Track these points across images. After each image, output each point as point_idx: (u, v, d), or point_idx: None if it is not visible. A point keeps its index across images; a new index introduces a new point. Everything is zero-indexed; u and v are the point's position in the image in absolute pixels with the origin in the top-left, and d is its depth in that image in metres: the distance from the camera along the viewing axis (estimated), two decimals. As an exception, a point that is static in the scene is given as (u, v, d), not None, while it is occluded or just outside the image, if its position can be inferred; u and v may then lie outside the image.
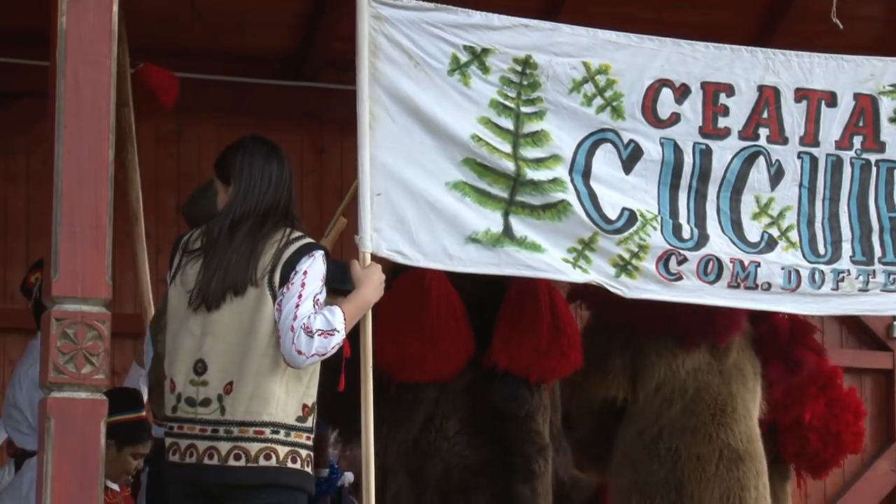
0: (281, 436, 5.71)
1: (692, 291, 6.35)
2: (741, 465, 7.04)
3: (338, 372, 5.93)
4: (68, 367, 5.50)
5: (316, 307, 5.72)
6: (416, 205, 6.08)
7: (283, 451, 5.71)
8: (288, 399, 5.72)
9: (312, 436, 5.81)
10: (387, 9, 6.07)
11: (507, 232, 6.13)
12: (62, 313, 5.51)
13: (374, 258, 6.01)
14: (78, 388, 5.51)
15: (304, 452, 5.76)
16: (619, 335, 7.11)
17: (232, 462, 5.70)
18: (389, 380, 6.25)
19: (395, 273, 6.43)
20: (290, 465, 5.72)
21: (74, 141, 5.58)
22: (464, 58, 6.15)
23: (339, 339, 5.72)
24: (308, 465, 5.79)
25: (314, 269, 5.77)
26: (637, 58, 6.35)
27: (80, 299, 5.52)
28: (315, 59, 10.34)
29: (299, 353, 5.64)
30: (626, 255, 6.24)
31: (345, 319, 5.75)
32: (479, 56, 6.17)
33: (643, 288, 6.29)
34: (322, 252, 5.82)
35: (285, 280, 5.73)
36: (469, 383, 6.52)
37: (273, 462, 5.69)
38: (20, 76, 9.68)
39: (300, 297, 5.71)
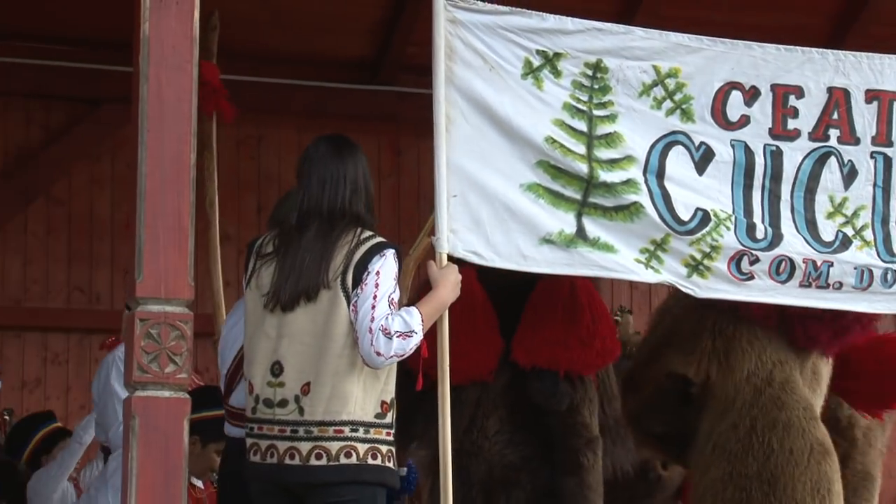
0: (360, 433, 5.67)
1: (764, 291, 6.30)
2: (828, 458, 7.00)
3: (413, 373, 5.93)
4: (152, 367, 5.50)
5: (392, 307, 5.69)
6: (491, 206, 6.05)
7: (362, 448, 5.68)
8: (366, 397, 5.70)
9: (393, 431, 5.77)
10: (462, 13, 6.04)
11: (581, 233, 6.09)
12: (146, 314, 5.52)
13: (451, 259, 5.98)
14: (161, 386, 5.51)
15: (384, 448, 5.73)
16: (713, 317, 7.05)
17: (313, 461, 5.67)
18: (433, 383, 6.26)
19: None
20: (370, 461, 5.68)
21: (157, 145, 5.60)
22: (536, 62, 6.11)
23: (416, 340, 5.69)
24: (389, 461, 5.75)
25: (386, 268, 5.72)
26: (707, 61, 6.30)
27: (164, 300, 5.52)
28: (392, 63, 10.37)
29: (378, 354, 5.61)
30: (698, 256, 6.20)
31: (422, 320, 5.73)
32: (551, 60, 6.13)
33: (714, 288, 6.24)
34: (393, 251, 5.77)
35: (358, 281, 5.70)
36: (507, 382, 6.51)
37: (353, 460, 5.66)
38: (105, 82, 9.75)
39: (375, 297, 5.68)
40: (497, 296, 6.46)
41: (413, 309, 5.73)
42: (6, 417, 9.19)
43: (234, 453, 6.64)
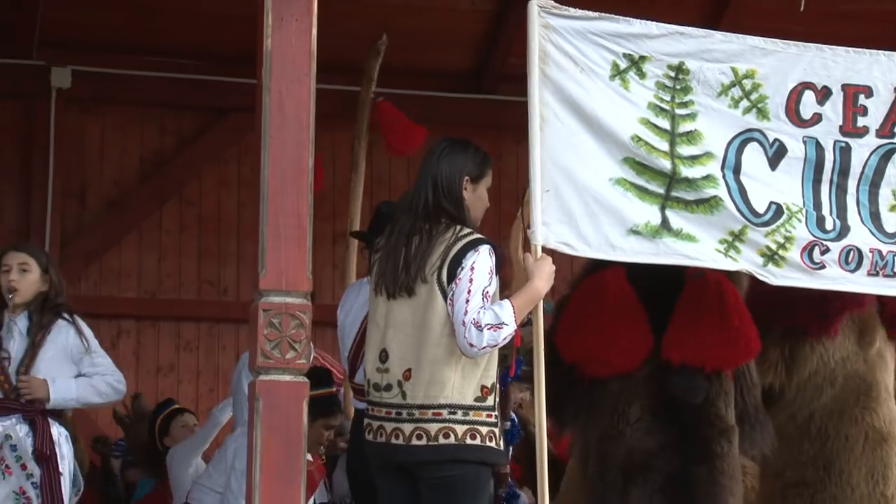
0: (458, 416, 5.66)
1: (834, 279, 6.23)
2: (884, 445, 6.91)
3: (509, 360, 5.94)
4: (274, 353, 5.54)
5: (485, 300, 5.66)
6: (581, 200, 6.01)
7: (461, 429, 5.66)
8: (464, 382, 5.69)
9: (495, 413, 5.75)
10: (555, 19, 6.01)
11: (665, 224, 6.04)
12: (269, 304, 5.55)
13: (545, 250, 5.95)
14: (283, 371, 5.54)
15: (483, 430, 5.69)
16: (775, 329, 7.02)
17: (415, 441, 5.68)
18: (581, 375, 6.24)
19: (585, 275, 6.44)
20: (468, 441, 5.66)
21: (278, 151, 5.64)
22: (623, 64, 6.07)
23: (508, 331, 5.66)
24: (490, 440, 5.71)
25: (480, 263, 5.70)
26: (782, 63, 6.22)
27: (285, 292, 5.57)
28: (493, 74, 10.38)
29: (471, 345, 5.60)
30: (773, 246, 6.14)
31: (514, 312, 5.68)
32: (636, 63, 6.08)
33: (788, 276, 6.16)
34: (488, 247, 5.75)
35: (453, 276, 5.68)
36: (649, 374, 6.44)
37: (452, 440, 5.65)
38: (231, 93, 9.81)
39: (469, 292, 5.65)
40: (645, 295, 6.43)
41: (505, 302, 5.70)
42: (132, 401, 9.23)
43: (358, 424, 6.84)
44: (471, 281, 5.66)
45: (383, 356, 5.82)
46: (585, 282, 6.39)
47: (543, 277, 5.84)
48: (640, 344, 6.39)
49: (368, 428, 5.85)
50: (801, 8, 6.58)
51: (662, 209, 6.05)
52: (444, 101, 10.27)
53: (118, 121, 10.28)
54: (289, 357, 5.55)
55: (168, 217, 10.29)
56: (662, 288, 6.36)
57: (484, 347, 5.62)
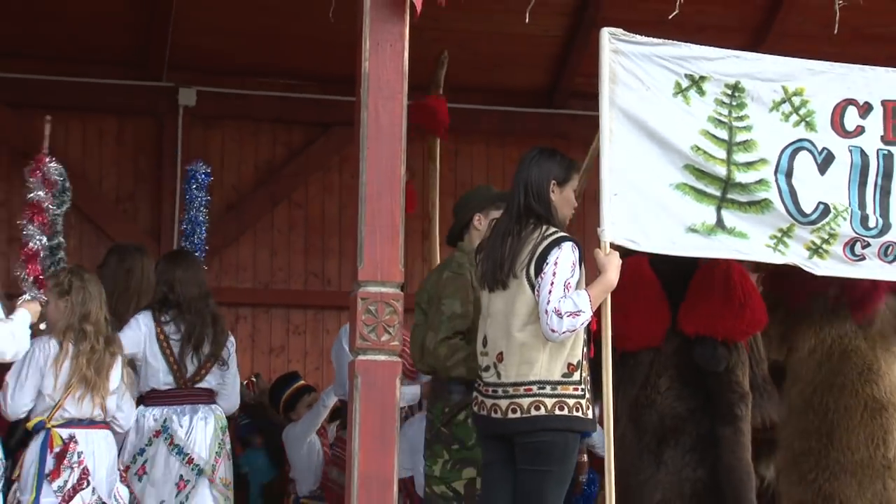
0: (547, 390, 5.69)
1: (872, 270, 6.21)
2: (884, 413, 6.84)
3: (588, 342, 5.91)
4: (371, 336, 5.57)
5: (566, 291, 5.65)
6: (645, 202, 6.02)
7: (550, 402, 5.69)
8: (552, 361, 5.70)
9: (582, 386, 5.75)
10: (623, 44, 6.03)
11: (720, 223, 6.05)
12: (366, 294, 5.59)
13: (613, 246, 5.96)
14: (378, 352, 5.58)
15: (571, 401, 5.72)
16: (779, 310, 6.97)
17: (510, 415, 5.72)
18: (614, 349, 6.23)
19: None
20: (557, 412, 5.69)
21: (375, 159, 5.67)
22: (685, 83, 6.08)
23: (585, 317, 5.66)
24: (577, 410, 5.73)
25: (563, 258, 5.71)
26: (827, 81, 6.23)
27: (380, 282, 5.61)
28: (563, 91, 10.33)
29: (553, 331, 5.62)
30: (818, 241, 6.12)
31: (590, 300, 5.68)
32: (697, 82, 6.09)
33: (831, 267, 6.17)
34: (570, 243, 5.75)
35: (539, 270, 5.70)
36: (676, 348, 6.45)
37: (542, 412, 5.68)
38: (333, 110, 9.83)
39: (552, 284, 5.66)
40: (665, 278, 6.40)
41: (583, 292, 5.69)
42: (254, 380, 9.27)
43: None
44: (554, 274, 5.66)
45: (484, 342, 5.87)
46: None
47: (613, 270, 5.83)
48: (657, 320, 6.39)
49: (475, 401, 5.89)
50: (835, 31, 6.52)
51: (718, 210, 6.04)
52: (521, 115, 10.25)
53: (236, 134, 10.31)
54: (383, 339, 5.57)
55: (279, 218, 10.31)
56: (681, 272, 6.33)
57: (564, 332, 5.62)
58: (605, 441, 5.96)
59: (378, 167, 5.65)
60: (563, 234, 5.79)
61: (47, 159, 6.83)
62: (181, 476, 6.73)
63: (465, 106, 8.87)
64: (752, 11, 9.87)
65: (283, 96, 10.23)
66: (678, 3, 6.29)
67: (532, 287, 5.70)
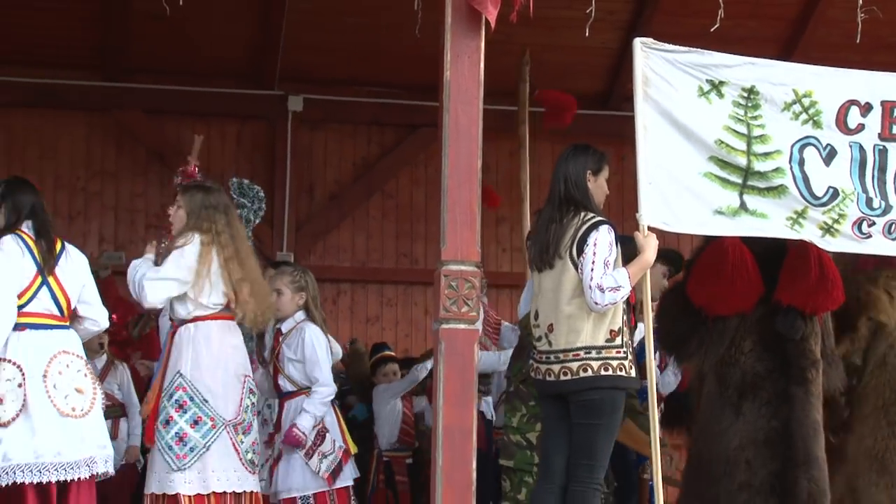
0: (593, 354, 5.68)
1: (878, 246, 6.13)
2: None
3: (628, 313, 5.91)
4: (452, 308, 5.56)
5: (606, 268, 5.66)
6: (677, 189, 5.99)
7: (596, 364, 5.68)
8: (595, 329, 5.70)
9: (624, 349, 5.75)
10: (653, 52, 5.99)
11: (743, 206, 6.01)
12: (448, 271, 5.59)
13: (650, 229, 5.94)
14: (459, 321, 5.58)
15: (614, 363, 5.69)
16: (865, 311, 6.86)
17: (562, 377, 5.73)
18: (706, 315, 6.18)
19: (706, 244, 6.38)
20: (602, 373, 5.69)
21: (455, 156, 5.68)
22: (706, 87, 6.02)
23: (624, 292, 5.67)
24: (621, 370, 5.72)
25: (601, 239, 5.71)
26: (834, 85, 6.14)
27: (460, 261, 5.62)
28: (618, 95, 10.28)
29: (596, 303, 5.64)
30: (829, 221, 6.07)
31: (629, 277, 5.69)
32: (716, 86, 6.03)
33: (842, 244, 6.12)
34: (607, 226, 5.76)
35: (581, 251, 5.70)
36: (761, 315, 6.36)
37: (589, 373, 5.69)
38: (420, 113, 9.84)
39: (593, 262, 5.66)
40: (760, 256, 6.34)
41: (623, 269, 5.71)
42: (349, 344, 9.29)
43: None
44: (594, 254, 5.69)
45: (535, 315, 5.89)
46: (708, 248, 6.33)
47: (651, 250, 5.83)
48: (753, 289, 6.33)
49: (531, 367, 5.92)
50: (858, 40, 6.42)
51: (740, 195, 6.01)
52: (580, 117, 10.12)
53: (337, 135, 10.38)
54: (463, 311, 5.59)
55: (373, 207, 10.37)
56: (771, 252, 6.28)
57: (606, 304, 5.65)
58: (649, 392, 5.95)
59: (458, 163, 5.65)
60: (600, 218, 5.80)
61: (195, 169, 6.89)
62: None
63: (532, 109, 8.79)
64: (784, 25, 9.79)
65: (376, 102, 10.28)
66: (719, 18, 6.25)
67: (575, 266, 5.70)
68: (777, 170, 6.03)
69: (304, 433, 6.46)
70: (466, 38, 5.63)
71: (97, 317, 5.91)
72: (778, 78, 6.09)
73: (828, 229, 6.08)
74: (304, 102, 10.10)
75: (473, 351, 5.57)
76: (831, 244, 6.10)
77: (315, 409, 6.50)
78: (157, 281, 5.90)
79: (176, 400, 5.86)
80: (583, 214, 5.79)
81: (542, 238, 5.86)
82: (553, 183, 5.92)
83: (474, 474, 5.48)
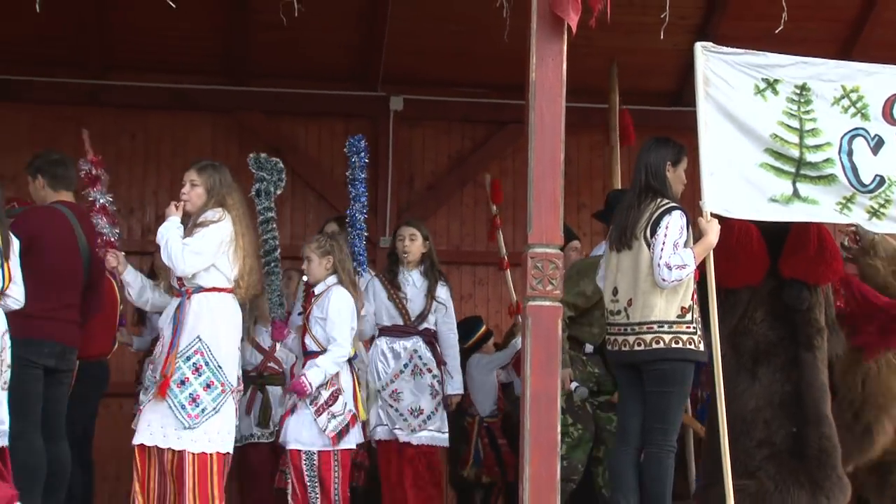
0: (665, 328, 5.71)
1: None
2: None
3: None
4: (538, 287, 5.57)
5: (674, 248, 5.68)
6: (735, 178, 5.98)
7: (667, 337, 5.70)
8: (667, 305, 5.72)
9: (694, 325, 5.74)
10: (713, 54, 6.00)
11: (796, 193, 5.99)
12: (534, 254, 5.61)
13: (713, 214, 5.96)
14: (544, 298, 5.58)
15: (684, 336, 5.71)
16: None
17: (636, 348, 5.76)
18: (719, 287, 6.14)
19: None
20: (673, 345, 5.71)
21: (540, 150, 5.68)
22: (762, 86, 6.02)
23: (689, 270, 5.69)
24: (691, 344, 5.73)
25: (672, 222, 5.74)
26: (880, 80, 6.10)
27: (545, 244, 5.62)
28: (689, 92, 10.03)
29: (663, 279, 5.67)
30: (876, 206, 6.05)
31: (694, 256, 5.70)
32: (771, 84, 6.02)
33: (887, 227, 6.10)
34: (679, 211, 5.78)
35: (653, 233, 5.73)
36: (771, 288, 6.39)
37: (661, 345, 5.72)
38: (508, 111, 9.83)
39: (663, 243, 5.70)
40: (767, 233, 6.31)
41: (688, 249, 5.72)
42: None
43: None
44: (665, 235, 5.72)
45: (615, 292, 5.89)
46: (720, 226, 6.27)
47: (713, 233, 5.83)
48: (758, 263, 6.35)
49: (607, 340, 5.92)
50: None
51: (793, 183, 5.98)
52: (655, 113, 10.09)
53: (433, 132, 10.40)
54: (548, 289, 5.61)
55: (466, 196, 10.38)
56: (778, 226, 6.23)
57: (672, 281, 5.67)
58: (714, 365, 5.92)
59: (542, 155, 5.64)
60: (673, 204, 5.82)
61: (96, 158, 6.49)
62: None
63: (603, 106, 8.71)
64: (842, 26, 9.63)
65: (469, 101, 10.28)
66: (782, 21, 6.20)
67: (649, 247, 5.73)
68: (827, 160, 6.00)
69: (309, 384, 6.31)
70: (550, 43, 5.61)
71: (17, 295, 5.62)
72: (827, 75, 6.05)
73: (874, 213, 6.05)
74: (404, 102, 10.11)
75: (557, 325, 5.57)
76: (878, 226, 6.08)
77: (326, 365, 6.35)
78: (195, 255, 5.79)
79: (193, 363, 5.74)
80: (659, 200, 5.81)
81: (621, 221, 5.89)
82: (635, 172, 5.97)
83: (559, 437, 5.47)
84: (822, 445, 6.12)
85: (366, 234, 7.37)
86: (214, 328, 5.81)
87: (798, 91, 6.01)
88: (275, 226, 7.05)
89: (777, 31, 6.25)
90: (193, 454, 5.68)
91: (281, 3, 5.91)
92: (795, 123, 6.00)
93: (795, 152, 5.98)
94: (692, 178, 6.07)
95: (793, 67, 6.03)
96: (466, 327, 8.74)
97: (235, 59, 9.75)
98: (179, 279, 5.91)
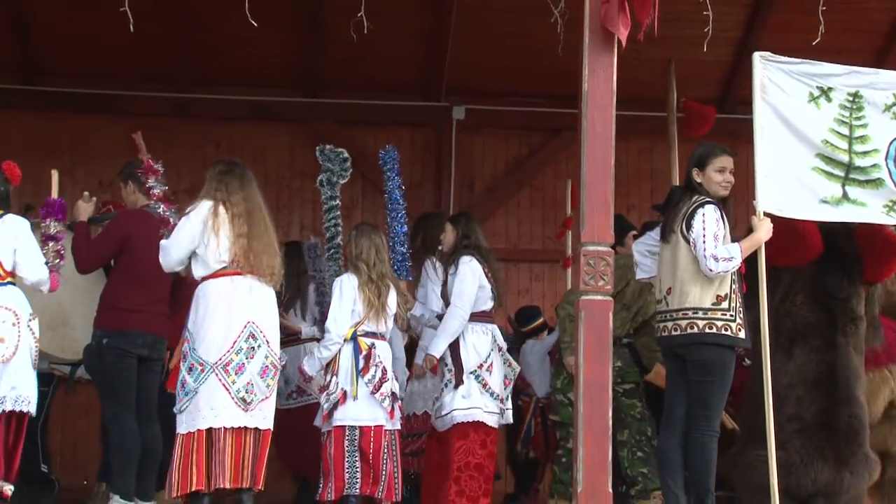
0: (700, 315, 5.69)
1: None
2: None
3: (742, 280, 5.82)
4: (590, 282, 5.52)
5: (716, 241, 5.65)
6: (788, 180, 5.92)
7: (701, 322, 5.71)
8: (703, 293, 5.71)
9: (731, 313, 5.69)
10: (770, 64, 5.94)
11: (845, 196, 5.93)
12: (587, 251, 5.57)
13: (765, 214, 5.90)
14: (596, 293, 5.54)
15: (719, 323, 5.67)
16: None
17: (674, 332, 5.75)
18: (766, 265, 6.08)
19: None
20: (707, 330, 5.68)
21: (592, 155, 5.63)
22: (816, 93, 5.94)
23: (736, 262, 5.65)
24: (726, 330, 5.68)
25: (707, 216, 5.72)
26: None
27: (596, 242, 5.57)
28: (732, 100, 10.07)
29: (710, 270, 5.65)
30: None
31: (741, 251, 5.67)
32: (825, 92, 5.94)
33: None
34: (712, 205, 5.76)
35: (689, 227, 5.72)
36: (813, 273, 6.30)
37: (695, 330, 5.70)
38: (562, 119, 9.80)
39: (704, 236, 5.67)
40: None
41: (735, 244, 5.69)
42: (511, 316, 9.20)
43: None
44: (704, 229, 5.69)
45: (660, 281, 5.92)
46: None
47: (763, 231, 5.78)
48: (816, 250, 6.21)
49: (655, 328, 5.91)
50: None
51: (843, 186, 5.91)
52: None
53: (492, 139, 10.38)
54: (599, 284, 5.56)
55: (523, 198, 10.36)
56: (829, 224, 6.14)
57: (719, 272, 5.64)
58: (762, 341, 5.81)
59: (594, 160, 5.60)
60: (706, 199, 5.80)
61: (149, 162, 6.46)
62: None
63: (658, 114, 8.63)
64: (876, 38, 9.52)
65: (525, 110, 10.26)
66: (819, 33, 6.16)
67: (686, 240, 5.72)
68: (874, 166, 5.94)
69: (307, 372, 6.32)
70: (601, 55, 5.56)
71: (29, 275, 5.69)
72: (880, 84, 5.99)
73: None
74: (465, 112, 10.13)
75: (608, 318, 5.51)
76: None
77: (317, 352, 6.28)
78: (166, 248, 5.65)
79: (183, 352, 5.58)
80: (694, 197, 5.81)
81: (667, 217, 5.92)
82: (686, 172, 6.01)
83: (610, 421, 5.43)
84: (850, 423, 6.06)
85: (406, 240, 7.23)
86: (195, 315, 5.57)
87: (851, 98, 5.95)
88: (338, 213, 6.99)
89: (814, 43, 6.21)
90: (182, 435, 5.48)
91: (352, 21, 5.95)
92: (845, 130, 5.94)
93: (845, 157, 5.93)
94: (747, 179, 6.03)
95: (847, 76, 5.97)
96: (527, 314, 8.77)
97: (311, 74, 9.82)
98: None
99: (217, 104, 9.88)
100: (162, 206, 6.03)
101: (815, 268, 6.30)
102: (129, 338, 6.01)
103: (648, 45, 5.85)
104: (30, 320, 5.68)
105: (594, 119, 5.58)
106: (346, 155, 7.12)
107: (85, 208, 6.28)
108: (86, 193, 6.33)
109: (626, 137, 8.32)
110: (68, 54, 9.41)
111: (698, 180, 5.86)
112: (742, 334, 5.72)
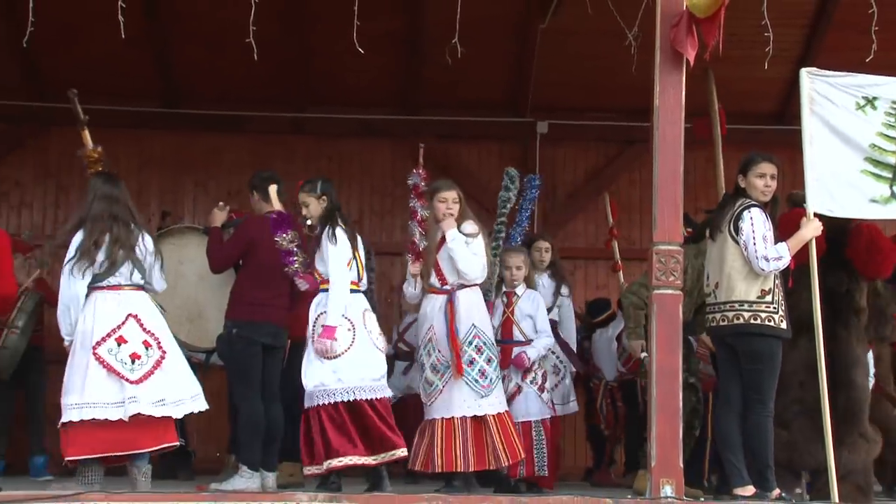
0: (745, 307, 5.58)
1: None
2: None
3: (786, 276, 5.73)
4: (662, 278, 5.50)
5: (765, 241, 5.55)
6: (838, 183, 5.82)
7: (747, 314, 5.58)
8: (748, 288, 5.61)
9: (774, 306, 5.59)
10: (816, 77, 5.86)
11: (893, 195, 5.81)
12: (659, 250, 5.54)
13: (815, 214, 5.80)
14: (667, 287, 5.50)
15: (763, 314, 5.56)
16: None
17: (721, 323, 5.65)
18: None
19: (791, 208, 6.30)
20: (752, 322, 5.56)
21: (663, 164, 5.63)
22: (862, 102, 5.83)
23: (785, 261, 5.58)
24: (770, 321, 5.58)
25: (755, 217, 5.63)
26: None
27: (667, 242, 5.56)
28: (790, 114, 9.82)
29: (762, 269, 5.57)
30: None
31: (788, 249, 5.59)
32: (871, 101, 5.82)
33: None
34: (757, 208, 5.67)
35: (736, 228, 5.64)
36: (822, 271, 6.13)
37: (741, 321, 5.58)
38: (635, 132, 9.67)
39: (754, 237, 5.58)
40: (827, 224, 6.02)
41: (783, 243, 5.60)
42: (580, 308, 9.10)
43: None
44: (753, 231, 5.60)
45: (708, 276, 5.85)
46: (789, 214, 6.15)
47: (809, 230, 5.69)
48: (819, 246, 5.97)
49: (707, 319, 5.84)
50: None
51: (891, 186, 5.80)
52: (760, 131, 9.81)
53: (573, 151, 10.33)
54: (670, 280, 5.55)
55: (601, 203, 10.22)
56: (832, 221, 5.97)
57: (770, 270, 5.55)
58: (816, 330, 5.72)
59: (665, 169, 5.56)
60: (751, 202, 5.71)
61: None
62: None
63: (735, 126, 8.50)
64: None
65: (602, 124, 10.20)
66: (872, 51, 6.04)
67: (733, 239, 5.64)
68: None
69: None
70: (671, 74, 5.55)
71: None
72: None
73: None
74: (548, 126, 10.10)
75: (678, 310, 5.47)
76: None
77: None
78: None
79: (476, 345, 6.15)
80: (741, 201, 5.73)
81: (715, 218, 5.87)
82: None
83: (681, 404, 5.37)
84: (847, 406, 5.98)
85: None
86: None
87: (894, 105, 5.85)
88: (502, 228, 6.89)
89: (867, 60, 6.07)
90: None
91: (447, 47, 6.00)
92: (893, 133, 5.83)
93: (892, 160, 5.81)
94: (796, 186, 5.93)
95: (888, 86, 5.86)
96: (598, 306, 8.76)
97: (410, 95, 9.92)
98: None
99: (329, 122, 10.02)
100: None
101: (820, 265, 6.13)
102: (256, 328, 6.10)
103: (714, 63, 5.80)
104: None
105: (665, 132, 5.54)
106: (514, 172, 6.96)
107: (219, 216, 6.44)
108: (220, 203, 6.51)
109: (694, 148, 8.11)
110: (202, 81, 9.67)
111: (742, 185, 5.80)
112: (784, 325, 5.62)
